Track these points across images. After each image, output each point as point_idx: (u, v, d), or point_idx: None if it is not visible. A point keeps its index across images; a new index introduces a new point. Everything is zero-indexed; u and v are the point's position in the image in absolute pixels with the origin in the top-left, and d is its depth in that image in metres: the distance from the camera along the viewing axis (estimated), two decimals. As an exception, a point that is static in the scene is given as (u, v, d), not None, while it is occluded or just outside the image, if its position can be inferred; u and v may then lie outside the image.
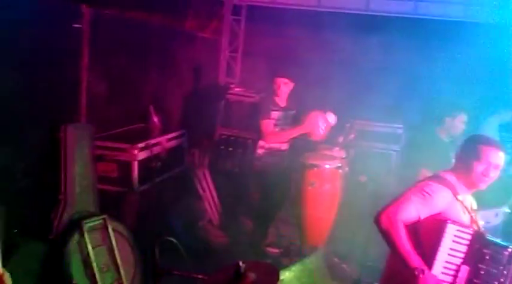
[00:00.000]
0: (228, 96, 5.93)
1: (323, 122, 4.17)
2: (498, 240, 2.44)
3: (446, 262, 2.40)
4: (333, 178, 4.10)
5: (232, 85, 6.28)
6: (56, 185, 3.93)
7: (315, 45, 6.05)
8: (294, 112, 4.34)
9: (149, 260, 2.52)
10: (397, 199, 2.44)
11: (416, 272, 2.29)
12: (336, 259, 4.14)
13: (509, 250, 2.38)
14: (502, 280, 2.38)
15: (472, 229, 2.43)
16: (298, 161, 4.14)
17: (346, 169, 4.30)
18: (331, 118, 4.24)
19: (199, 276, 2.03)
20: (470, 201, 2.62)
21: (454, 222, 2.39)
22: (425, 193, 2.42)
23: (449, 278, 2.41)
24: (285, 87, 4.23)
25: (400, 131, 5.39)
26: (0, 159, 3.57)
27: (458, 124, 3.77)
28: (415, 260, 2.32)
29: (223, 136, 5.74)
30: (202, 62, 6.15)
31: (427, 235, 2.40)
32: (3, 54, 3.43)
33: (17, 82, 3.60)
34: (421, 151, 3.60)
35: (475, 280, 2.40)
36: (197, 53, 6.02)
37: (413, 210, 2.39)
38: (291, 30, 5.95)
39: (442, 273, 2.41)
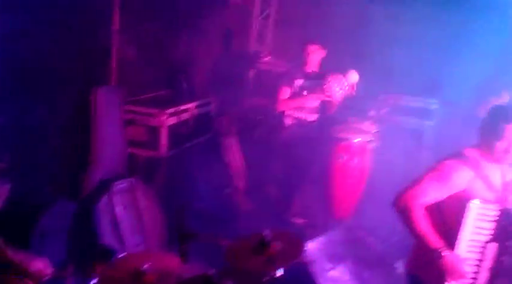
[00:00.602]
0: (258, 64, 5.86)
1: (341, 84, 4.05)
2: None
3: (471, 240, 2.36)
4: (362, 152, 4.05)
5: (262, 54, 6.19)
6: (87, 146, 4.03)
7: (351, 14, 5.88)
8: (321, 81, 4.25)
9: (175, 223, 2.58)
10: (414, 182, 2.41)
11: (436, 254, 2.27)
12: (361, 233, 4.13)
13: None
14: None
15: (498, 206, 2.36)
16: (327, 133, 4.09)
17: (377, 143, 4.23)
18: (353, 76, 4.10)
19: (224, 242, 2.05)
20: (500, 174, 2.53)
21: (477, 200, 2.33)
22: (441, 173, 2.37)
23: (475, 256, 2.38)
24: (314, 54, 4.15)
25: (435, 106, 5.23)
26: (34, 118, 3.67)
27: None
28: (434, 242, 2.30)
29: (251, 105, 5.71)
30: (233, 29, 6.06)
31: (451, 214, 2.37)
32: (38, 15, 3.46)
33: (53, 44, 3.65)
34: (457, 128, 3.51)
35: (503, 258, 2.37)
36: (228, 19, 5.93)
37: (431, 191, 2.36)
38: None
39: (468, 252, 2.38)
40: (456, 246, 2.34)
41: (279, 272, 1.88)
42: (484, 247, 2.38)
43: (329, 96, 4.07)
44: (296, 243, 1.90)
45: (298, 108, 4.32)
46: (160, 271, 2.21)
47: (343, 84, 4.03)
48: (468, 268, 2.36)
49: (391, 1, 5.22)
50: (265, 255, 1.82)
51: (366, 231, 4.13)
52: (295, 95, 4.22)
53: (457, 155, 2.46)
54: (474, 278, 2.39)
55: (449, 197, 2.37)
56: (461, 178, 2.37)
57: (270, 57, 5.98)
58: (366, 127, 4.23)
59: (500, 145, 2.39)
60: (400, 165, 4.35)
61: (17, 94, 3.45)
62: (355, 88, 4.15)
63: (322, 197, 4.30)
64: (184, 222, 2.39)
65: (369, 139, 4.08)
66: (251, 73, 5.95)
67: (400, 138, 4.80)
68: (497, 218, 2.34)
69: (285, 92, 4.20)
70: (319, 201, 4.39)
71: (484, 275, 2.39)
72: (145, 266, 2.21)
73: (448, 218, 2.39)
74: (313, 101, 4.19)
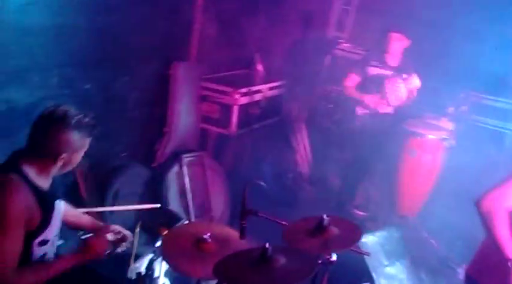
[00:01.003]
0: (335, 51, 5.78)
1: (399, 89, 3.90)
2: None
3: None
4: (436, 149, 3.91)
5: (340, 40, 6.09)
6: (163, 118, 4.26)
7: (440, 5, 5.61)
8: (405, 75, 4.11)
9: (239, 199, 2.68)
10: (502, 184, 2.28)
11: (510, 264, 2.17)
12: (424, 233, 4.02)
13: None
14: None
15: None
16: (401, 127, 3.99)
17: (452, 142, 4.06)
18: (414, 81, 3.94)
19: (283, 222, 2.11)
20: None
21: None
22: None
23: None
24: (397, 43, 4.00)
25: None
26: (117, 88, 3.93)
27: None
28: (508, 249, 2.20)
29: (325, 92, 5.67)
30: (313, 13, 6.01)
31: None
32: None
33: (140, 20, 3.87)
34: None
35: None
36: (308, 4, 5.88)
37: None
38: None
39: None
40: None
41: (333, 257, 1.91)
42: None
43: (385, 100, 3.96)
44: (353, 231, 1.91)
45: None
46: (220, 241, 2.33)
47: (401, 90, 3.89)
48: None
49: None
50: (322, 238, 1.86)
51: (429, 231, 4.03)
52: (366, 83, 4.12)
53: None
54: None
55: None
56: None
57: (348, 45, 5.87)
58: (442, 124, 4.07)
59: None
60: (475, 168, 4.15)
61: (104, 64, 3.71)
62: (415, 93, 4.00)
63: (387, 191, 4.22)
64: (246, 199, 2.47)
65: (444, 137, 3.92)
66: (327, 59, 5.89)
67: (478, 139, 4.56)
68: None
69: (353, 79, 4.13)
70: (384, 195, 4.32)
71: None
72: (207, 234, 2.35)
73: None
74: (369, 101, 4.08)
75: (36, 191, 1.90)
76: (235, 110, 4.33)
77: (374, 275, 3.31)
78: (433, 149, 3.90)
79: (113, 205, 3.69)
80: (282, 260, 1.62)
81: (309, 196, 4.78)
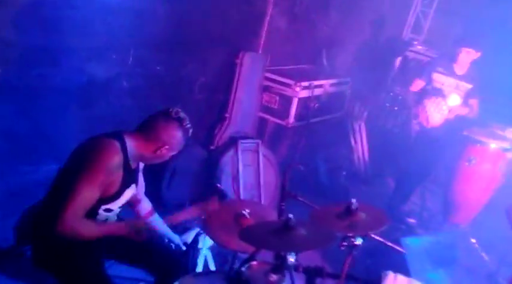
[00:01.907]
0: (408, 52, 5.77)
1: (439, 108, 3.86)
2: None
3: None
4: (496, 159, 3.83)
5: (415, 42, 6.05)
6: (225, 104, 4.55)
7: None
8: (470, 86, 4.06)
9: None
10: None
11: None
12: (476, 245, 3.96)
13: None
14: None
15: None
16: (461, 134, 3.95)
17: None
18: (453, 100, 3.92)
19: (316, 207, 2.27)
20: None
21: None
22: None
23: None
24: (466, 56, 3.97)
25: None
26: (186, 72, 4.26)
27: None
28: None
29: (391, 94, 5.69)
30: (389, 14, 6.02)
31: None
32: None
33: (213, 8, 4.16)
34: None
35: None
36: (385, 4, 5.90)
37: None
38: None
39: None
40: None
41: (359, 241, 2.04)
42: None
43: (423, 119, 3.96)
44: (381, 220, 2.03)
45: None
46: (258, 218, 2.54)
47: (441, 108, 3.86)
48: None
49: None
50: (348, 221, 2.00)
51: (481, 243, 3.95)
52: (429, 89, 4.13)
53: None
54: None
55: None
56: None
57: (421, 47, 5.83)
58: (508, 134, 3.96)
59: None
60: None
61: (176, 49, 4.04)
62: (457, 112, 3.96)
63: (442, 199, 4.19)
64: (287, 182, 2.66)
65: (507, 148, 3.83)
66: (398, 61, 5.89)
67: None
68: None
69: (417, 84, 4.16)
70: (438, 202, 4.29)
71: None
72: (246, 211, 2.57)
73: None
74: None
75: (126, 165, 2.23)
76: (295, 102, 4.51)
77: (413, 277, 3.34)
78: (493, 158, 3.82)
79: (170, 181, 4.02)
80: (302, 231, 1.80)
81: (360, 195, 4.83)
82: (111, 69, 3.71)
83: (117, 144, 2.18)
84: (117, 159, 2.16)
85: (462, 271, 3.62)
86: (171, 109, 2.30)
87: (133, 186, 2.40)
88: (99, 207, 2.25)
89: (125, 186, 2.28)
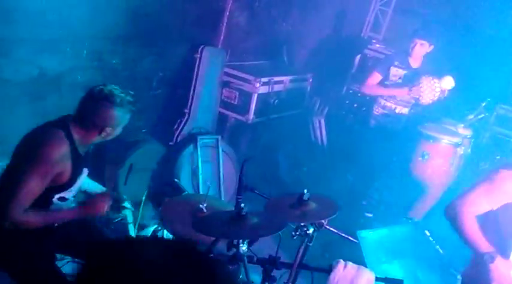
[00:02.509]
0: (367, 50, 5.93)
1: (433, 89, 4.05)
2: None
3: None
4: (448, 155, 4.03)
5: (374, 41, 6.23)
6: (184, 99, 4.57)
7: (480, 12, 5.68)
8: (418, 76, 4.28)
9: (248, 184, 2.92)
10: (466, 190, 2.46)
11: (486, 258, 2.33)
12: (430, 238, 4.14)
13: None
14: None
15: None
16: (415, 129, 4.13)
17: (468, 150, 4.16)
18: (447, 82, 4.09)
19: (269, 198, 2.35)
20: None
21: None
22: (493, 184, 2.41)
23: None
24: (420, 48, 4.17)
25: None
26: (144, 66, 4.26)
27: None
28: (484, 246, 2.37)
29: (350, 91, 5.83)
30: (349, 12, 6.18)
31: (506, 223, 2.39)
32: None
33: (172, 3, 4.17)
34: None
35: None
36: (345, 2, 6.06)
37: (482, 202, 2.42)
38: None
39: None
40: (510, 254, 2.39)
41: (311, 230, 2.13)
42: None
43: (416, 97, 4.12)
44: (331, 208, 2.12)
45: (389, 97, 4.42)
46: (213, 210, 2.59)
47: (435, 89, 4.04)
48: None
49: None
50: (300, 210, 2.09)
51: (435, 236, 4.14)
52: (386, 82, 4.31)
53: (509, 162, 2.47)
54: None
55: (504, 206, 2.40)
56: None
57: (380, 45, 6.01)
58: (459, 130, 4.17)
59: None
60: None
61: (133, 42, 4.04)
62: (446, 94, 4.14)
63: (398, 193, 4.36)
64: (243, 176, 2.72)
65: (458, 143, 4.03)
66: (357, 58, 6.05)
67: (500, 150, 4.62)
68: None
69: (375, 77, 4.34)
70: (394, 196, 4.45)
71: None
72: (204, 205, 2.62)
73: (503, 227, 2.43)
74: (400, 96, 4.28)
75: (74, 152, 2.24)
76: (254, 98, 4.58)
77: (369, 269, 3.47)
78: (445, 154, 4.02)
79: (127, 177, 4.01)
80: (254, 219, 1.86)
81: (320, 190, 4.95)
82: (65, 62, 3.67)
83: (62, 134, 2.18)
84: (62, 150, 2.16)
85: (416, 262, 3.79)
86: (93, 90, 2.24)
87: (85, 170, 2.40)
88: (52, 196, 2.24)
89: (76, 173, 2.28)
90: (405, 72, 4.27)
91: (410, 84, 4.15)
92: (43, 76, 3.53)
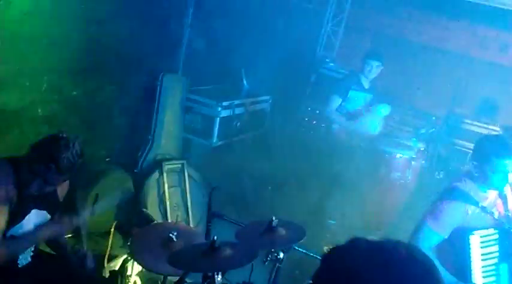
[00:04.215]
0: (321, 69, 6.14)
1: (376, 118, 4.33)
2: None
3: (483, 266, 2.56)
4: (404, 168, 4.22)
5: (327, 60, 6.45)
6: (147, 126, 4.57)
7: (424, 28, 6.02)
8: (371, 96, 4.51)
9: (216, 207, 2.96)
10: (417, 228, 2.64)
11: None
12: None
13: None
14: None
15: (495, 230, 2.54)
16: (372, 144, 4.31)
17: (422, 161, 4.37)
18: (384, 110, 4.38)
19: (241, 225, 2.41)
20: (495, 197, 2.69)
21: (477, 232, 2.54)
22: (437, 217, 2.60)
23: (492, 279, 2.58)
24: (375, 69, 4.40)
25: (496, 133, 5.21)
26: (104, 96, 4.24)
27: None
28: (447, 279, 2.53)
29: (309, 108, 6.00)
30: (302, 32, 6.38)
31: (458, 249, 2.57)
32: (120, 6, 4.01)
33: (130, 32, 4.19)
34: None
35: None
36: (298, 23, 6.26)
37: (432, 234, 2.60)
38: (400, 8, 5.96)
39: (483, 277, 2.57)
40: (471, 276, 2.56)
41: (281, 255, 2.20)
42: (497, 269, 2.56)
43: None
44: (300, 233, 2.20)
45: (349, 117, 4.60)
46: (186, 240, 2.62)
47: (378, 118, 4.30)
48: None
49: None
50: (270, 237, 2.16)
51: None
52: (347, 106, 4.51)
53: (450, 193, 2.66)
54: None
55: (452, 233, 2.57)
56: (455, 215, 2.59)
57: (333, 64, 6.23)
58: (412, 143, 4.38)
59: (496, 176, 2.56)
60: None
61: (92, 73, 4.03)
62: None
63: (358, 206, 4.50)
64: (210, 204, 2.77)
65: (413, 156, 4.23)
66: (313, 77, 6.24)
67: (457, 160, 4.87)
68: (499, 240, 2.51)
69: (336, 101, 4.50)
70: (355, 209, 4.59)
71: None
72: (174, 234, 2.63)
73: (458, 251, 2.60)
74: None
75: (20, 186, 2.21)
76: (217, 122, 4.64)
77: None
78: (401, 167, 4.21)
79: (93, 208, 3.96)
80: (227, 250, 1.91)
81: (286, 207, 5.04)
82: (25, 96, 3.62)
83: (5, 164, 2.21)
84: (3, 181, 2.16)
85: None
86: (53, 135, 2.30)
87: (37, 211, 2.38)
88: (3, 234, 2.22)
89: (22, 209, 2.28)
90: (360, 93, 4.48)
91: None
92: (3, 112, 3.46)
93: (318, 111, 5.87)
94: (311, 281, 1.10)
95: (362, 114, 4.49)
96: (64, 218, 2.48)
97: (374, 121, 4.34)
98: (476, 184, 2.64)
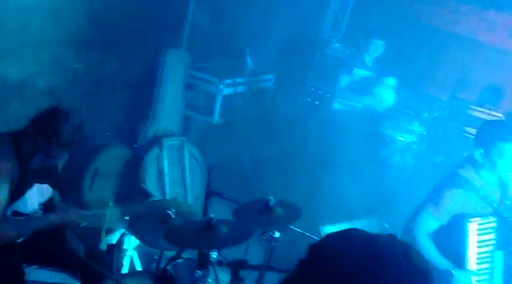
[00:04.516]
0: (326, 49, 6.08)
1: (388, 94, 4.30)
2: None
3: (478, 253, 2.58)
4: (405, 151, 4.22)
5: (333, 40, 6.38)
6: (149, 102, 4.56)
7: (432, 10, 5.93)
8: (375, 74, 4.49)
9: (214, 185, 2.98)
10: (416, 212, 2.64)
11: (447, 275, 2.54)
12: (385, 227, 4.32)
13: None
14: None
15: (493, 218, 2.56)
16: (374, 127, 4.30)
17: (423, 145, 4.37)
18: (391, 81, 4.38)
19: (239, 203, 2.42)
20: (495, 184, 2.70)
21: (475, 219, 2.54)
22: (437, 202, 2.59)
23: (486, 266, 2.61)
24: (380, 48, 4.37)
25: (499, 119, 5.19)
26: (107, 70, 4.22)
27: None
28: (443, 264, 2.57)
29: (312, 89, 5.96)
30: (310, 12, 6.29)
31: (455, 234, 2.59)
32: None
33: (135, 6, 4.15)
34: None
35: (510, 262, 2.61)
36: (305, 2, 6.17)
37: (431, 219, 2.61)
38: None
39: (478, 264, 2.60)
40: (466, 263, 2.58)
41: (277, 234, 2.22)
42: (492, 256, 2.58)
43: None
44: (297, 214, 2.22)
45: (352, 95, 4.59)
46: (183, 216, 2.64)
47: (389, 90, 4.27)
48: (482, 278, 2.61)
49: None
50: (267, 216, 2.17)
51: (394, 229, 4.33)
52: (354, 84, 4.50)
53: (452, 180, 2.65)
54: None
55: (450, 221, 2.59)
56: (456, 202, 2.59)
57: (339, 45, 6.17)
58: (414, 127, 4.37)
59: (502, 162, 2.56)
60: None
61: (96, 46, 4.00)
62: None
63: (357, 187, 4.51)
64: (210, 181, 2.78)
65: (414, 140, 4.23)
66: (317, 58, 6.19)
67: (458, 145, 4.86)
68: (496, 228, 2.52)
69: (344, 80, 4.48)
70: (353, 191, 4.61)
71: (498, 281, 2.63)
72: (172, 210, 2.66)
73: (455, 236, 2.61)
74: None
75: (22, 161, 2.22)
76: (219, 100, 4.62)
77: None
78: (402, 150, 4.20)
79: (92, 182, 3.99)
80: (223, 229, 1.93)
81: (284, 187, 5.05)
82: (27, 68, 3.61)
83: (6, 138, 2.21)
84: (5, 155, 2.16)
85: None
86: (53, 106, 2.29)
87: (40, 185, 2.40)
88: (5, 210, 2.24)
89: (24, 183, 2.28)
90: (364, 72, 4.46)
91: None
92: (5, 84, 3.46)
93: (321, 92, 5.84)
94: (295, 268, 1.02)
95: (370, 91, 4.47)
96: (75, 210, 2.49)
97: (387, 93, 4.30)
98: (478, 172, 2.64)
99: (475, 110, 5.29)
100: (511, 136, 2.55)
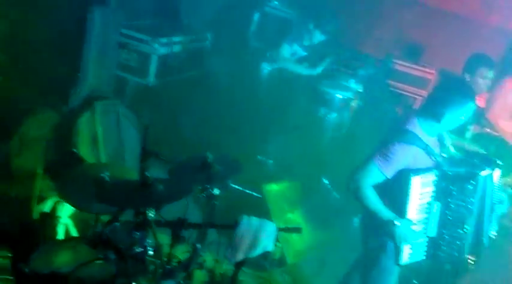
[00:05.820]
0: (266, 8, 5.98)
1: None
2: (462, 171, 2.74)
3: (419, 204, 2.75)
4: (342, 108, 4.32)
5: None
6: (78, 63, 4.32)
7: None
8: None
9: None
10: (363, 164, 2.73)
11: (390, 224, 2.69)
12: (328, 185, 4.46)
13: (473, 183, 2.72)
14: (470, 207, 2.76)
15: (434, 173, 2.72)
16: (311, 85, 4.36)
17: (359, 102, 4.48)
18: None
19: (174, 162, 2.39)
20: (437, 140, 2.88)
21: (418, 173, 2.68)
22: (387, 156, 2.68)
23: (425, 215, 2.79)
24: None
25: (430, 77, 5.40)
26: (29, 29, 3.93)
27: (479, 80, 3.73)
28: (385, 214, 2.71)
29: (253, 50, 5.88)
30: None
31: (398, 189, 2.71)
32: None
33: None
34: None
35: (447, 212, 2.79)
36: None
37: (378, 173, 2.70)
38: None
39: (417, 214, 2.76)
40: (407, 212, 2.72)
41: (216, 192, 2.22)
42: (430, 207, 2.77)
43: None
44: (237, 168, 2.22)
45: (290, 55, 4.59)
46: (119, 180, 2.56)
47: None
48: (419, 227, 2.78)
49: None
50: (205, 173, 2.15)
51: (333, 185, 4.48)
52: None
53: (402, 135, 2.74)
54: (425, 234, 2.81)
55: (395, 175, 2.70)
56: (406, 158, 2.70)
57: (277, 2, 6.09)
58: (351, 84, 4.46)
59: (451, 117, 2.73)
60: (382, 127, 4.62)
61: (16, 3, 3.70)
62: None
63: (294, 145, 4.59)
64: (145, 142, 2.70)
65: (351, 97, 4.33)
66: (256, 16, 6.08)
67: (390, 102, 5.03)
68: (437, 182, 2.68)
69: (286, 50, 4.45)
70: (291, 148, 4.68)
71: (433, 228, 2.81)
72: (107, 174, 2.57)
73: (397, 188, 2.74)
74: None
75: None
76: (154, 60, 4.46)
77: (273, 219, 3.71)
78: (340, 108, 4.30)
79: (20, 148, 3.78)
80: (160, 187, 1.90)
81: (223, 146, 5.03)
82: None
83: None
84: None
85: (315, 209, 4.10)
86: None
87: None
88: None
89: None
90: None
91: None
92: None
93: (268, 54, 5.76)
94: None
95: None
96: None
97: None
98: (424, 127, 2.75)
99: (408, 67, 5.48)
100: (469, 95, 2.72)
